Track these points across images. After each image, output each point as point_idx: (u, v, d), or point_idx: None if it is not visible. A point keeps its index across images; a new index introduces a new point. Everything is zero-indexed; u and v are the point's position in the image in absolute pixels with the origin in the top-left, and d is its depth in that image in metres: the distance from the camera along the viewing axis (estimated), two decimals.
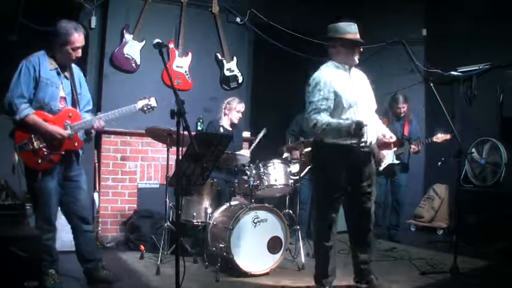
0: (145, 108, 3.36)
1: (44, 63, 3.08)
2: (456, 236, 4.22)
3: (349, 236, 3.41)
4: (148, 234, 4.49)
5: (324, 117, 2.99)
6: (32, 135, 3.02)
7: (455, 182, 4.42)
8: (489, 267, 4.29)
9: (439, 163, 5.06)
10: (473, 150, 5.63)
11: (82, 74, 3.37)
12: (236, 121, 4.83)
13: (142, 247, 4.34)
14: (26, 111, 2.98)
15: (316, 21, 6.29)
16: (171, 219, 4.13)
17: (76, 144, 3.19)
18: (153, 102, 3.37)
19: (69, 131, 3.10)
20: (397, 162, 5.26)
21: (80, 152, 3.29)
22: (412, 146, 5.13)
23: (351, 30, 3.14)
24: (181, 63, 5.39)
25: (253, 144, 4.83)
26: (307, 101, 3.11)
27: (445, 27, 6.26)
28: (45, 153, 3.04)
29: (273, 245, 3.89)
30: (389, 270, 4.01)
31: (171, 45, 5.30)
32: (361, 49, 3.18)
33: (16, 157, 3.03)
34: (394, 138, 3.32)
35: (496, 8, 5.58)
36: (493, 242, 4.77)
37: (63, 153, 3.11)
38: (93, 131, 3.31)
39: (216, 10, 5.61)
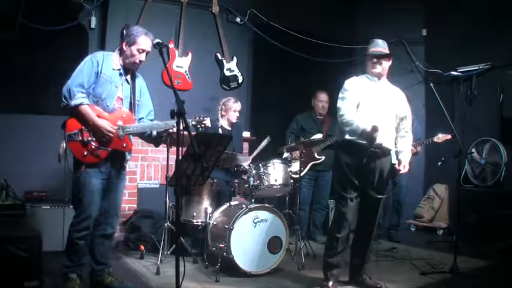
0: (198, 126, 3.35)
1: (108, 61, 3.13)
2: (456, 236, 4.21)
3: (354, 233, 3.56)
4: (148, 234, 4.49)
5: (348, 114, 3.38)
6: (83, 127, 3.02)
7: (455, 182, 4.42)
8: (489, 267, 4.29)
9: (439, 163, 5.06)
10: (473, 150, 5.63)
11: (145, 85, 3.39)
12: (234, 120, 4.81)
13: (142, 247, 4.33)
14: (81, 100, 2.99)
15: (316, 21, 6.32)
16: (171, 219, 4.13)
17: (124, 145, 3.16)
18: (207, 122, 3.36)
19: (120, 131, 3.10)
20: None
21: (128, 156, 3.29)
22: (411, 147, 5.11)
23: (372, 45, 3.52)
24: (181, 63, 5.39)
25: (255, 152, 4.76)
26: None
27: (445, 27, 6.26)
28: (93, 147, 3.03)
29: (273, 245, 3.89)
30: (389, 270, 4.00)
31: (171, 45, 5.30)
32: (377, 61, 3.44)
33: (64, 145, 3.02)
34: (405, 169, 3.54)
35: (495, 8, 5.59)
36: (493, 242, 4.77)
37: (109, 150, 3.09)
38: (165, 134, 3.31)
39: (216, 10, 5.61)
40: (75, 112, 3.01)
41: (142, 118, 3.34)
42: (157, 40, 2.85)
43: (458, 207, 4.97)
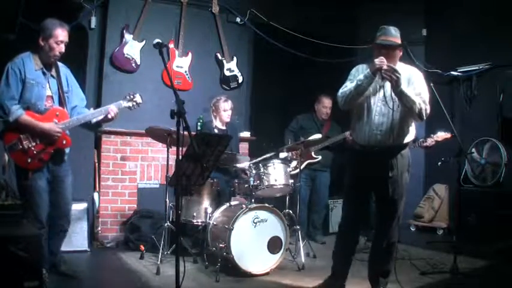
0: (130, 105, 3.40)
1: (29, 64, 3.13)
2: (456, 236, 4.21)
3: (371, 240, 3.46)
4: (148, 234, 4.49)
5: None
6: (21, 135, 3.05)
7: (455, 182, 4.41)
8: (489, 267, 4.29)
9: (439, 163, 5.05)
10: (473, 150, 5.62)
11: (70, 72, 3.40)
12: (227, 120, 4.80)
13: (142, 247, 4.34)
14: (18, 112, 3.03)
15: (315, 21, 6.31)
16: (171, 219, 4.13)
17: (64, 142, 3.22)
18: (138, 98, 3.42)
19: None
20: None
21: (67, 150, 3.33)
22: (428, 141, 4.89)
23: (381, 32, 3.14)
24: (181, 63, 5.39)
25: (257, 159, 4.68)
26: None
27: (445, 27, 6.26)
28: (35, 152, 3.08)
29: (273, 245, 3.89)
30: None
31: (171, 45, 5.29)
32: (385, 52, 3.06)
33: (6, 158, 3.06)
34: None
35: (496, 8, 5.58)
36: (493, 242, 4.77)
37: (52, 151, 3.14)
38: (106, 119, 3.37)
39: (216, 10, 5.61)
40: (17, 125, 3.04)
41: (76, 106, 3.37)
42: (157, 40, 2.85)
43: (459, 207, 4.97)
